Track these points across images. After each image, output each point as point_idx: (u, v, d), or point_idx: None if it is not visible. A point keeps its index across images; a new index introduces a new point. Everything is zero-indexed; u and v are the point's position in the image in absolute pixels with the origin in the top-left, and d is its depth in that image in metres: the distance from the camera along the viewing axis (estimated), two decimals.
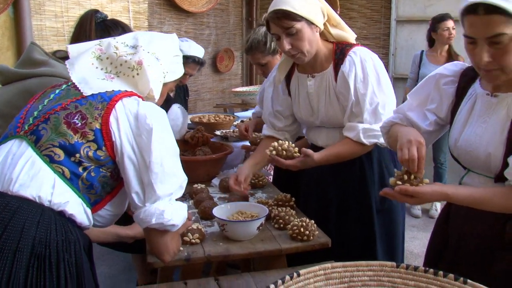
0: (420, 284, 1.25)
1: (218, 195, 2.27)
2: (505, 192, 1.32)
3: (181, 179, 1.31)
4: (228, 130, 3.16)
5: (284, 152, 1.83)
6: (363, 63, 1.85)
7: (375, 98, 1.84)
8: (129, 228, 1.70)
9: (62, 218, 1.17)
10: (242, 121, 3.53)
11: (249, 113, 4.09)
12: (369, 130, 1.87)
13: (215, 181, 2.42)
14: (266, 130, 2.24)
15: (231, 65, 5.69)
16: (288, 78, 2.10)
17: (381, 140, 1.90)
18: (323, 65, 1.95)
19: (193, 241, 1.67)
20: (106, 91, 1.27)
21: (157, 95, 1.37)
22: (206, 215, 1.91)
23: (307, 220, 1.75)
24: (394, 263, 1.27)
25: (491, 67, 1.27)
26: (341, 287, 1.24)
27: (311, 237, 1.72)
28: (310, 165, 1.86)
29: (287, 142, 1.86)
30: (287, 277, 1.18)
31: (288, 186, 2.43)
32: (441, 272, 1.23)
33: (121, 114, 1.24)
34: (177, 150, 1.31)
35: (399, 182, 1.28)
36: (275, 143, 1.86)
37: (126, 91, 1.29)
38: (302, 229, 1.71)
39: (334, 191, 2.07)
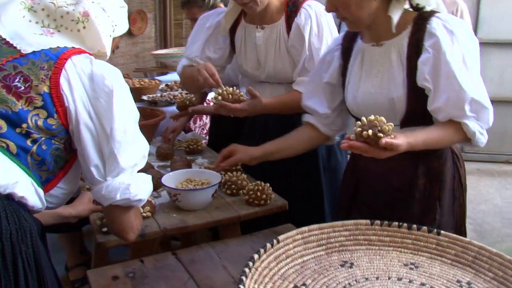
0: (395, 239, 1.24)
1: (157, 163, 2.11)
2: (450, 127, 1.35)
3: (144, 147, 1.14)
4: (155, 95, 2.95)
5: (230, 96, 1.69)
6: (318, 17, 1.77)
7: None
8: (72, 207, 1.50)
9: (12, 202, 0.96)
10: (167, 85, 3.34)
11: (171, 77, 3.88)
12: None
13: (151, 149, 2.24)
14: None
15: (144, 28, 5.35)
16: (233, 28, 1.97)
17: None
18: (274, 17, 1.85)
19: (145, 214, 1.52)
20: (50, 48, 1.05)
21: (108, 51, 1.18)
22: None
23: (262, 183, 1.67)
24: (368, 221, 1.25)
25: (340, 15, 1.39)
26: (319, 250, 1.20)
27: (268, 201, 1.65)
28: (258, 109, 1.75)
29: (231, 87, 1.72)
30: (268, 245, 1.10)
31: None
32: (414, 226, 1.23)
33: (73, 75, 1.03)
34: (137, 114, 1.13)
35: (381, 135, 1.17)
36: (219, 90, 1.72)
37: (73, 47, 1.09)
38: (258, 193, 1.62)
39: None
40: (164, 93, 2.96)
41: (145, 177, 1.16)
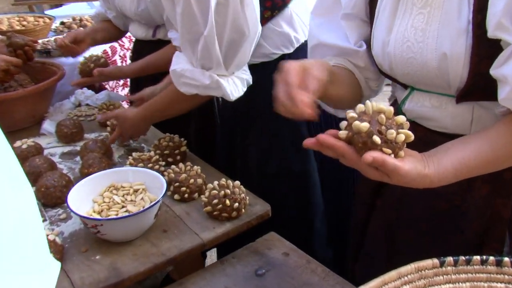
0: (478, 283, 0.77)
1: (60, 150, 1.45)
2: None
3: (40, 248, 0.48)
4: (46, 39, 2.16)
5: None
6: None
7: None
8: None
9: None
10: (62, 23, 2.55)
11: (67, 10, 3.04)
12: None
13: (48, 127, 1.56)
14: None
15: None
16: None
17: None
18: None
19: None
20: None
21: None
22: (53, 200, 1.13)
23: (230, 183, 1.10)
24: (436, 260, 0.77)
25: None
26: None
27: (242, 210, 1.09)
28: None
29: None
30: None
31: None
32: (507, 260, 0.76)
33: None
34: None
35: (388, 150, 0.68)
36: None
37: None
38: (227, 202, 1.05)
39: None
40: (59, 36, 2.18)
41: None
